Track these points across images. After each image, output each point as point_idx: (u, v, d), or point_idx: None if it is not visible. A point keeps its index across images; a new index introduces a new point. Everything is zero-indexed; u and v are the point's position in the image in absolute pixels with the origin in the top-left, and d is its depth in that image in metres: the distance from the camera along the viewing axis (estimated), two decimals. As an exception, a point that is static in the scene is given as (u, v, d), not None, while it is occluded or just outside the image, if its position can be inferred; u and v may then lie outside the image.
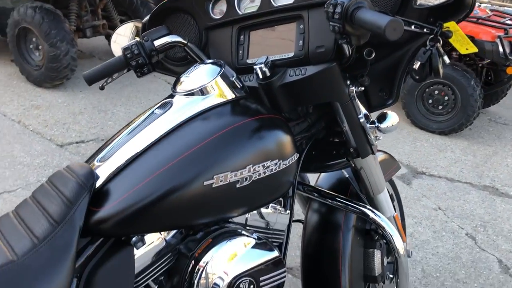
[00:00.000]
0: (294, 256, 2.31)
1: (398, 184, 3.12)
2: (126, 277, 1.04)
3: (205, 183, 1.04)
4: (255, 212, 1.27)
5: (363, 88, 1.32)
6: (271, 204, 1.31)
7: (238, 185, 1.08)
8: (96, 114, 3.87)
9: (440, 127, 4.08)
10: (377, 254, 1.64)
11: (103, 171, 1.07)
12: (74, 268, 0.97)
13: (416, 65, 1.07)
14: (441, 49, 1.03)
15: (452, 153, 3.77)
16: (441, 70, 1.05)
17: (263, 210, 1.29)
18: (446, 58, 1.05)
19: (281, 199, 1.37)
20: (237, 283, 1.11)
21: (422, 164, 3.53)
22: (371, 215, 1.40)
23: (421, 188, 3.17)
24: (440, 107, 4.08)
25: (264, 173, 1.12)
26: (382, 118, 1.37)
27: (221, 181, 1.06)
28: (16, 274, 0.90)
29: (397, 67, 1.26)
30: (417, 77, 1.08)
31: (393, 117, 1.37)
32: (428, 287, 2.23)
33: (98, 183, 1.05)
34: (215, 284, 1.10)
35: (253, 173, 1.10)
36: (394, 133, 4.07)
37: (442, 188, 3.20)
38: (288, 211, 1.37)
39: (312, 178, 1.66)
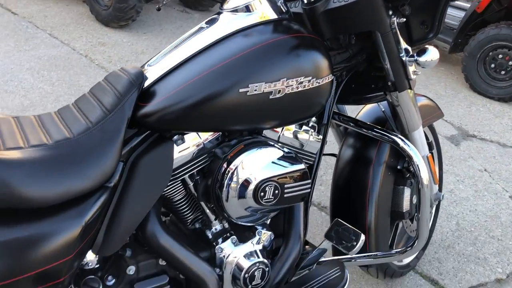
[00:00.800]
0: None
1: (445, 144, 3.10)
2: (165, 169, 1.17)
3: (241, 90, 1.14)
4: (289, 134, 1.35)
5: (404, 20, 1.35)
6: (304, 127, 1.39)
7: (271, 96, 1.17)
8: (157, 54, 4.05)
9: (500, 93, 3.93)
10: (407, 191, 1.69)
11: (152, 74, 1.19)
12: (120, 153, 1.10)
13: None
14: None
15: (509, 120, 3.64)
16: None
17: (297, 131, 1.37)
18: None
19: (315, 125, 1.44)
20: (263, 186, 1.21)
21: (474, 128, 3.45)
22: (401, 143, 1.44)
23: (469, 149, 3.12)
24: (503, 72, 3.91)
25: (297, 88, 1.19)
26: (422, 52, 1.39)
27: (255, 90, 1.15)
28: (72, 149, 1.05)
29: (438, -2, 1.28)
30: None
31: (433, 52, 1.39)
32: (460, 239, 2.25)
33: (146, 83, 1.17)
34: (243, 185, 1.21)
35: (286, 87, 1.18)
36: (449, 95, 3.97)
37: (491, 152, 3.13)
38: (321, 137, 1.44)
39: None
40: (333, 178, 1.74)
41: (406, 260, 1.92)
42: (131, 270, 1.20)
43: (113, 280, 1.20)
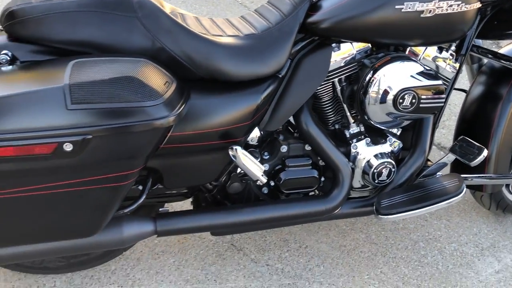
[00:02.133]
0: (450, 139, 2.49)
1: None
2: (322, 70, 1.42)
3: (396, 6, 1.34)
4: (428, 58, 1.52)
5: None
6: (444, 54, 1.55)
7: (422, 15, 1.36)
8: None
9: None
10: (534, 131, 1.77)
11: (320, -10, 1.43)
12: (290, 52, 1.38)
13: None
14: None
15: None
16: None
17: (436, 56, 1.53)
18: None
19: (454, 54, 1.59)
20: (402, 94, 1.42)
21: None
22: None
23: None
24: None
25: (447, 10, 1.36)
26: None
27: (409, 8, 1.34)
28: (257, 41, 1.35)
29: None
30: None
31: None
32: None
33: (316, -3, 1.42)
34: (384, 91, 1.43)
35: (437, 8, 1.35)
36: None
37: None
38: (457, 66, 1.59)
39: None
40: (460, 112, 1.86)
41: (522, 199, 2.00)
42: (284, 148, 1.50)
43: (268, 156, 1.51)
